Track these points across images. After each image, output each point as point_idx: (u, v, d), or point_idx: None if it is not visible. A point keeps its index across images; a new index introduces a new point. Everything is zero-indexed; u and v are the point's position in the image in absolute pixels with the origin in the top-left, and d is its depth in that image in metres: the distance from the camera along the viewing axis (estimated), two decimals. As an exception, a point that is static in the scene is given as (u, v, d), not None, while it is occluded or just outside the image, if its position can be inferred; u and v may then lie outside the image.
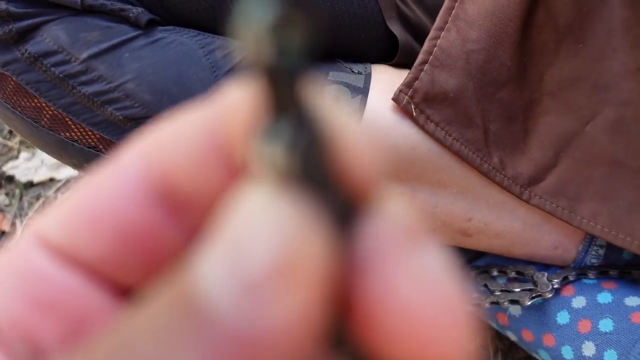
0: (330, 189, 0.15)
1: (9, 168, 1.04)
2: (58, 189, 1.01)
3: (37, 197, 1.01)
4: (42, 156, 1.02)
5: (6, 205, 0.99)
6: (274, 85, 0.14)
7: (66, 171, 1.01)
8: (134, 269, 0.20)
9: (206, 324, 0.13)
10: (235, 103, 0.17)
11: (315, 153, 0.14)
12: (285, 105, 0.14)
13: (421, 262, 0.15)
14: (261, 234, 0.14)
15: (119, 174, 0.19)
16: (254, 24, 0.13)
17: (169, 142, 0.19)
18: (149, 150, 0.19)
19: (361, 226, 0.15)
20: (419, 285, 0.15)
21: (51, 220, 0.20)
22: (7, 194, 1.01)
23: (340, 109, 0.15)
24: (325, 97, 0.15)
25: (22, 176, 1.03)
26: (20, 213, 1.00)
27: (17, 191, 1.01)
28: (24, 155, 1.04)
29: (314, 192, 0.14)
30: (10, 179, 1.03)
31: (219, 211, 0.15)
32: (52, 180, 1.01)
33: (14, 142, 1.08)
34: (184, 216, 0.19)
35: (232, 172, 0.18)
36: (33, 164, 1.04)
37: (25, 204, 1.01)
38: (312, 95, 0.14)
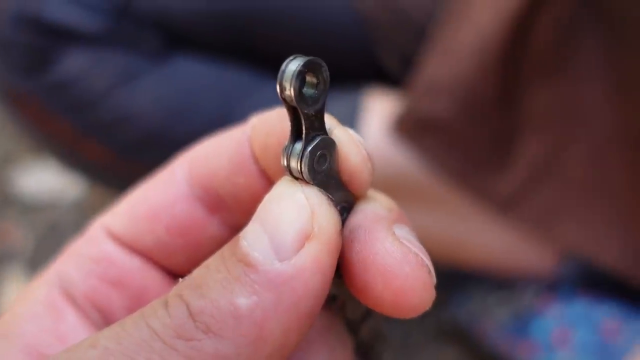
0: (333, 186, 0.22)
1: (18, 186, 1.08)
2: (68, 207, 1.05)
3: (45, 215, 1.04)
4: (53, 175, 1.05)
5: (13, 221, 1.02)
6: (294, 115, 0.21)
7: (77, 189, 1.05)
8: (181, 255, 0.26)
9: (249, 269, 0.20)
10: (263, 125, 0.24)
11: (322, 162, 0.22)
12: (301, 129, 0.21)
13: (395, 233, 0.22)
14: (282, 208, 0.21)
15: (170, 178, 0.26)
16: (287, 72, 0.21)
17: (209, 154, 0.26)
18: (194, 159, 0.26)
19: (354, 210, 0.23)
20: (391, 249, 0.21)
21: (115, 215, 0.26)
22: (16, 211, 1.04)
23: (342, 130, 0.23)
24: (333, 122, 0.23)
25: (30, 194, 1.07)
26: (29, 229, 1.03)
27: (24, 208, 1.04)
28: (33, 172, 1.08)
29: (322, 186, 0.22)
30: (17, 196, 1.06)
31: (259, 202, 0.21)
32: (60, 198, 1.05)
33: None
34: (222, 213, 0.26)
35: (258, 179, 0.25)
36: (42, 182, 1.08)
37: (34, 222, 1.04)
38: (323, 122, 0.22)
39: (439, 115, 0.68)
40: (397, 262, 0.21)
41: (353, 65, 0.75)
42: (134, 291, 0.26)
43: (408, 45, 0.73)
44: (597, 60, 0.69)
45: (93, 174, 0.72)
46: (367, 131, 0.70)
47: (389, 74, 0.75)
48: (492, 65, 0.67)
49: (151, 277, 0.26)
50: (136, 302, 0.26)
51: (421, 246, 0.22)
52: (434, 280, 0.21)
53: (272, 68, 0.72)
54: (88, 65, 0.63)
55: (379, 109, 0.71)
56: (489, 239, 0.76)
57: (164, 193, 0.26)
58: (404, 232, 0.22)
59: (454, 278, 0.84)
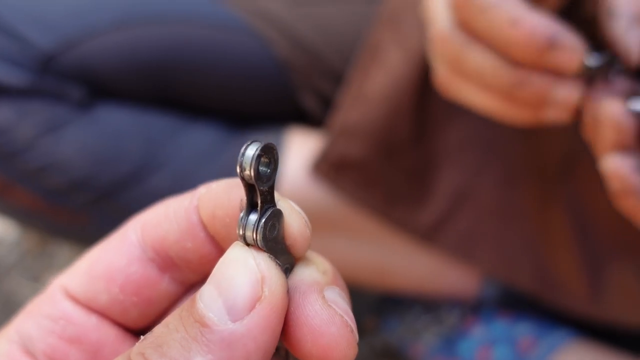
0: (279, 250, 0.25)
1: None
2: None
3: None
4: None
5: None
6: (250, 190, 0.25)
7: (18, 230, 1.06)
8: (135, 311, 0.28)
9: (205, 329, 0.22)
10: (210, 196, 0.27)
11: (272, 231, 0.25)
12: (255, 202, 0.25)
13: (325, 297, 0.25)
14: (236, 272, 0.23)
15: (123, 241, 0.28)
16: (247, 156, 0.24)
17: (160, 219, 0.28)
18: (145, 224, 0.28)
19: (293, 271, 0.26)
20: (320, 311, 0.24)
21: (72, 275, 0.28)
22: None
23: (285, 202, 0.26)
24: (276, 194, 0.25)
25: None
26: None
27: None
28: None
29: (271, 252, 0.24)
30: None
31: (214, 264, 0.24)
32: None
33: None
34: (172, 271, 0.28)
35: (206, 243, 0.27)
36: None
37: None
38: (273, 196, 0.25)
39: (354, 156, 0.71)
40: (325, 323, 0.24)
41: (275, 108, 0.78)
42: (91, 347, 0.27)
43: (325, 88, 0.76)
44: None
45: (24, 219, 0.73)
46: (288, 169, 0.73)
47: (310, 116, 0.78)
48: (404, 105, 0.70)
49: (107, 334, 0.28)
50: (93, 357, 0.27)
51: (347, 308, 0.25)
52: (357, 338, 0.24)
53: (195, 113, 0.75)
54: (13, 117, 0.65)
55: (299, 147, 0.74)
56: (414, 265, 0.78)
57: (118, 255, 0.28)
58: (333, 295, 0.25)
59: (385, 303, 0.87)
